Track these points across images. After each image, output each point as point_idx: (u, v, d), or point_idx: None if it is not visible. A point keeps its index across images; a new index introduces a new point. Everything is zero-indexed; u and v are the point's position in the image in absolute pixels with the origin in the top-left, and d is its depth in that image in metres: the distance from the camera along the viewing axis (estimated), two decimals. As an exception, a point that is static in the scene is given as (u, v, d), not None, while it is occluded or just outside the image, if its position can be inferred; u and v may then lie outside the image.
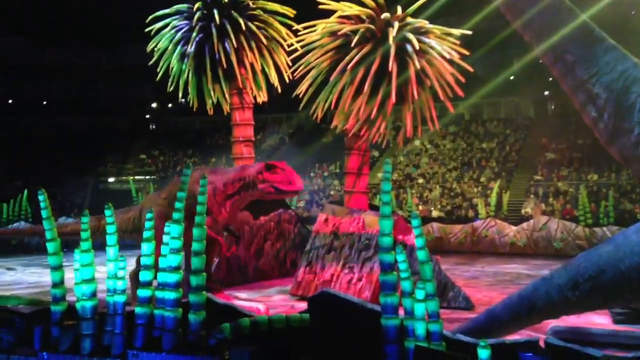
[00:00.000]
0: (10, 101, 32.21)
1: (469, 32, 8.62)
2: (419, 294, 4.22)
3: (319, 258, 8.89)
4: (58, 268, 4.97)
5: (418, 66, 8.18)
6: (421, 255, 4.32)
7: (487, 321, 4.92)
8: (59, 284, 4.96)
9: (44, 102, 35.53)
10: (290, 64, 10.32)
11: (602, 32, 5.62)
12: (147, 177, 29.63)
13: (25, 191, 17.00)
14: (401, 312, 4.23)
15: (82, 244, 5.00)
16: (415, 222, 4.33)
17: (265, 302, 8.50)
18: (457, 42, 8.53)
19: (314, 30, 9.06)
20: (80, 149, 29.26)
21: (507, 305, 4.83)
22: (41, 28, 30.46)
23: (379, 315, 4.24)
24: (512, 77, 25.60)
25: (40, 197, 4.99)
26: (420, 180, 22.79)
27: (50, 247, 4.97)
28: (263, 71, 10.95)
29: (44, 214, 4.99)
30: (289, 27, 10.62)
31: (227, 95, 10.98)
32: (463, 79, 8.63)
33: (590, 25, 5.60)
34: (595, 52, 5.58)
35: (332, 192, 22.44)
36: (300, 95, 9.29)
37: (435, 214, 19.00)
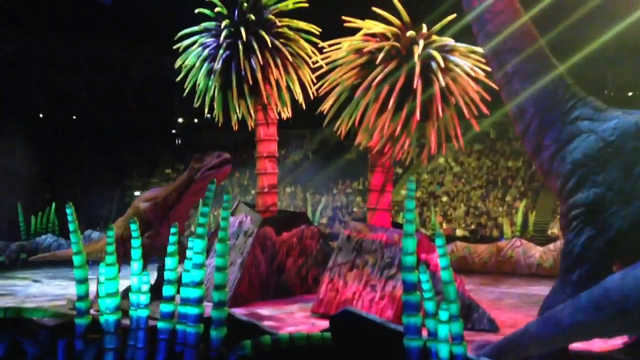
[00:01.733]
0: (40, 115, 33.01)
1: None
2: (443, 315, 4.15)
3: (341, 275, 8.84)
4: (83, 281, 5.02)
5: (443, 83, 8.15)
6: (445, 275, 4.26)
7: (512, 344, 4.81)
8: (83, 297, 5.01)
9: (73, 117, 36.34)
10: (315, 80, 10.38)
11: (547, 50, 5.84)
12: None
13: (53, 204, 17.31)
14: (424, 333, 4.16)
15: (107, 257, 5.05)
16: (439, 242, 4.28)
17: (287, 319, 8.47)
18: (482, 59, 8.48)
19: (339, 48, 9.12)
20: (106, 163, 29.77)
21: (540, 323, 4.72)
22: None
23: (402, 335, 4.18)
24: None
25: (68, 211, 5.06)
26: (444, 199, 22.59)
27: (76, 260, 5.03)
28: (288, 88, 11.02)
29: (71, 227, 5.06)
30: (314, 44, 10.69)
31: (252, 111, 11.07)
32: (489, 97, 8.56)
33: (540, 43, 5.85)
34: (534, 68, 5.76)
35: (355, 209, 22.37)
36: (325, 112, 9.32)
37: (459, 233, 18.79)
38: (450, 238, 16.69)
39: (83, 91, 35.50)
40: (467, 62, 8.42)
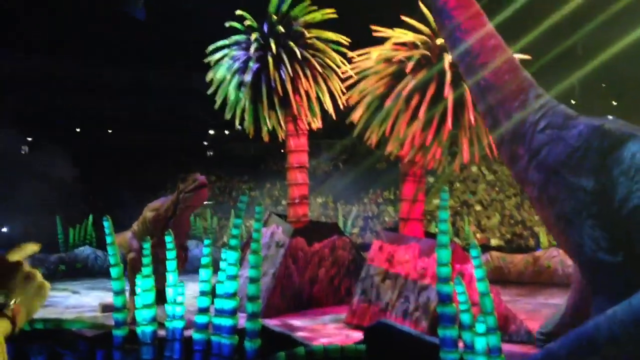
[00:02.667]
0: (77, 129, 33.89)
1: (528, 57, 8.44)
2: (480, 327, 4.08)
3: (373, 286, 8.78)
4: (120, 293, 5.11)
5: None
6: (481, 286, 4.19)
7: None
8: (121, 308, 5.10)
9: (109, 130, 37.23)
10: (344, 90, 10.40)
11: (518, 62, 6.09)
12: (205, 202, 30.29)
13: (91, 216, 17.70)
14: (460, 345, 4.09)
15: (143, 269, 5.13)
16: (474, 252, 4.22)
17: (320, 330, 8.44)
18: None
19: (368, 57, 9.12)
20: (141, 175, 30.34)
21: (566, 345, 4.46)
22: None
23: (438, 348, 4.12)
24: (573, 102, 24.90)
25: (105, 224, 5.17)
26: (478, 208, 22.27)
27: (114, 272, 5.13)
28: (318, 98, 11.07)
29: (108, 239, 5.17)
30: (343, 54, 10.72)
31: (282, 122, 11.15)
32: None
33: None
34: (505, 81, 5.91)
35: (386, 219, 22.24)
36: (355, 122, 9.32)
37: (494, 242, 18.46)
38: (485, 248, 16.42)
39: (118, 108, 36.37)
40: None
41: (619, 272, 4.87)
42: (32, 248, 1.43)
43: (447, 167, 9.52)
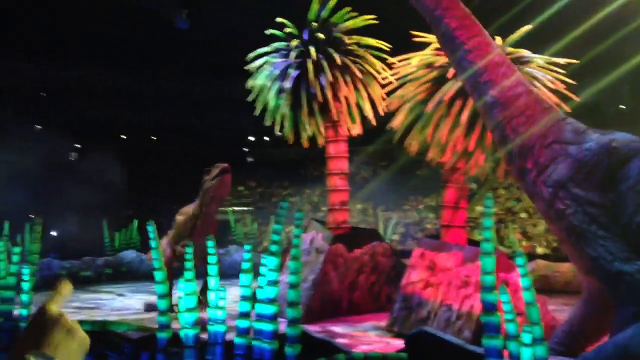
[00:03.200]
0: (123, 137, 34.85)
1: (576, 62, 8.22)
2: (526, 337, 3.98)
3: (415, 294, 8.67)
4: (164, 296, 5.21)
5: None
6: (527, 296, 4.09)
7: None
8: (165, 311, 5.19)
9: (153, 137, 38.15)
10: (384, 96, 10.34)
11: (522, 77, 6.34)
12: (245, 208, 30.66)
13: (136, 221, 18.13)
14: (505, 355, 4.00)
15: (185, 273, 5.22)
16: (519, 261, 4.12)
17: (361, 337, 8.39)
18: (563, 71, 8.16)
19: (409, 63, 9.04)
20: (183, 181, 30.94)
21: (603, 354, 4.41)
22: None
23: (482, 358, 4.03)
24: (623, 107, 24.12)
25: (149, 228, 5.29)
26: (523, 215, 21.76)
27: (158, 275, 5.23)
28: (357, 104, 11.05)
29: (152, 244, 5.28)
30: (383, 60, 10.67)
31: (322, 129, 11.17)
32: (569, 109, 8.21)
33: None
34: (510, 96, 6.07)
35: (427, 226, 21.98)
36: (395, 128, 9.25)
37: (540, 250, 18.01)
38: (531, 256, 16.00)
39: (162, 116, 37.25)
40: (545, 74, 8.13)
41: (638, 280, 4.82)
42: (68, 289, 1.40)
43: (490, 173, 9.34)
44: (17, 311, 6.51)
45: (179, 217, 10.53)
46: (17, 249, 7.06)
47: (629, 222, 5.00)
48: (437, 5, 6.46)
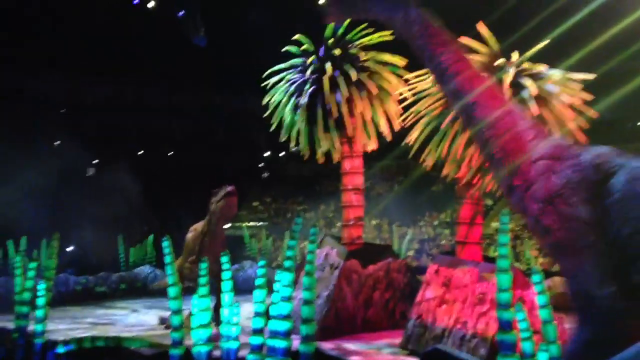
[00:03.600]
0: (140, 152, 35.18)
1: (592, 76, 8.15)
2: (542, 356, 3.90)
3: (429, 311, 8.56)
4: (178, 312, 5.20)
5: (536, 112, 7.83)
6: (544, 314, 4.02)
7: None
8: (178, 327, 5.18)
9: (170, 153, 38.49)
10: (400, 112, 10.33)
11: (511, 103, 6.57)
12: (260, 223, 30.69)
13: (151, 236, 18.22)
14: (523, 376, 3.92)
15: (199, 289, 5.21)
16: (536, 278, 4.06)
17: (374, 355, 8.30)
18: (580, 86, 8.09)
19: (425, 79, 9.04)
20: (198, 197, 31.07)
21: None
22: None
23: (498, 378, 3.95)
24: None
25: (165, 244, 5.30)
26: (539, 231, 21.46)
27: (172, 291, 5.23)
28: (373, 120, 11.05)
29: (167, 259, 5.29)
30: (399, 76, 10.69)
31: (337, 144, 11.17)
32: (587, 125, 8.12)
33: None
34: (502, 124, 6.30)
35: (443, 242, 21.79)
36: (410, 144, 9.22)
37: (556, 267, 17.73)
38: (547, 273, 15.73)
39: (178, 131, 37.66)
40: (563, 90, 8.06)
41: (606, 307, 4.86)
42: None
43: (506, 189, 9.24)
44: (31, 327, 6.54)
45: (189, 234, 10.91)
46: (33, 264, 7.11)
47: (614, 237, 5.05)
48: (429, 40, 6.86)
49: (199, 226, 10.78)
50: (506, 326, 4.05)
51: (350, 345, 8.87)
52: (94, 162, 35.10)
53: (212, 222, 10.37)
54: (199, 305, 5.12)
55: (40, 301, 6.54)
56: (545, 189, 5.69)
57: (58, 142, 34.45)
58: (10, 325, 6.87)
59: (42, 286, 6.59)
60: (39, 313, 6.49)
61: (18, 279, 6.92)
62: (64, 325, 10.29)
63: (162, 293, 14.88)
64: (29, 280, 6.75)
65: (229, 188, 10.29)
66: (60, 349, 6.03)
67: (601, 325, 4.74)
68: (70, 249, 22.02)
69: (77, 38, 29.03)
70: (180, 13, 25.71)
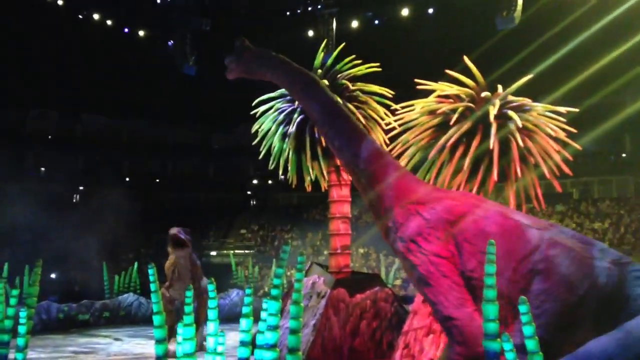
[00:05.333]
0: (127, 179, 35.07)
1: (576, 110, 8.32)
2: (530, 388, 3.89)
3: (417, 340, 8.50)
4: (162, 341, 5.12)
5: (521, 144, 7.96)
6: (530, 345, 4.02)
7: None
8: (162, 357, 5.09)
9: (157, 180, 38.37)
10: (387, 142, 10.43)
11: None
12: (247, 251, 30.51)
13: (136, 264, 18.01)
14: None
15: (184, 317, 5.15)
16: (522, 309, 4.07)
17: (361, 386, 8.20)
18: (564, 119, 8.26)
19: (412, 109, 9.17)
20: (185, 225, 30.88)
21: None
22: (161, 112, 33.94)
23: (486, 409, 3.93)
24: (624, 155, 24.26)
25: (150, 271, 5.25)
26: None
27: (156, 319, 5.16)
28: (361, 149, 11.12)
29: (152, 287, 5.23)
30: (387, 106, 10.83)
31: (325, 173, 11.23)
32: (570, 157, 8.26)
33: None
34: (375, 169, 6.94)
35: (430, 272, 21.75)
36: (398, 173, 9.28)
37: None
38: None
39: (163, 161, 37.78)
40: (547, 122, 8.22)
41: (466, 326, 5.55)
42: None
43: (493, 219, 9.31)
44: (12, 355, 6.40)
45: (166, 263, 12.23)
46: (15, 292, 6.99)
47: (463, 269, 5.85)
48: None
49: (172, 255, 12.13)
50: (493, 357, 4.04)
51: (336, 376, 8.75)
52: (79, 190, 34.92)
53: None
54: (184, 334, 5.05)
55: (22, 329, 6.41)
56: (410, 229, 6.44)
57: (44, 169, 34.31)
58: (-10, 353, 6.72)
59: (23, 314, 6.47)
60: (20, 341, 6.36)
61: (-1, 307, 6.79)
62: (45, 354, 10.07)
63: (146, 321, 14.66)
64: (10, 308, 6.63)
65: (170, 232, 12.27)
66: (41, 379, 5.89)
67: (465, 343, 5.42)
68: (53, 276, 21.68)
69: (70, 72, 29.38)
70: (170, 43, 25.93)
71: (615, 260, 5.20)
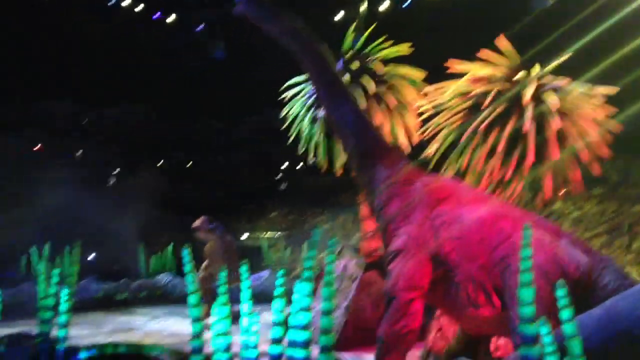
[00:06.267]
0: (160, 163, 35.63)
1: (616, 89, 8.09)
2: (566, 372, 3.85)
3: (451, 324, 8.48)
4: (198, 320, 5.23)
5: (558, 126, 7.79)
6: (569, 328, 3.96)
7: None
8: (198, 335, 5.21)
9: (187, 165, 38.93)
10: (419, 125, 10.33)
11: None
12: (278, 234, 30.78)
13: (171, 245, 18.37)
14: (545, 391, 3.86)
15: (219, 297, 5.24)
16: (560, 292, 4.01)
17: (393, 367, 8.22)
18: (603, 99, 8.04)
19: (445, 92, 9.04)
20: (218, 208, 31.31)
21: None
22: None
23: (520, 392, 3.91)
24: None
25: (184, 253, 5.35)
26: (560, 245, 21.16)
27: (192, 299, 5.27)
28: (391, 133, 11.05)
29: (186, 268, 5.33)
30: (418, 89, 10.70)
31: (356, 156, 11.17)
32: (609, 138, 8.05)
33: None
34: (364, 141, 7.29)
35: (461, 255, 21.60)
36: (430, 157, 9.21)
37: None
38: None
39: (196, 141, 38.15)
40: (586, 103, 8.02)
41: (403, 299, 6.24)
42: None
43: (528, 203, 9.18)
44: (54, 332, 6.63)
45: (206, 246, 13.09)
46: (56, 271, 7.22)
47: (438, 253, 6.12)
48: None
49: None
50: (529, 341, 4.00)
51: (369, 356, 8.80)
52: (115, 171, 35.68)
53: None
54: (219, 314, 5.15)
55: (63, 307, 6.62)
56: (391, 209, 6.75)
57: (80, 152, 35.18)
58: (34, 330, 6.97)
59: (64, 292, 6.68)
60: (62, 319, 6.57)
61: (41, 285, 7.02)
62: (86, 331, 10.41)
63: (181, 300, 14.98)
64: (52, 287, 6.85)
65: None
66: (83, 355, 6.10)
67: (389, 322, 6.14)
68: (92, 256, 22.30)
69: (93, 59, 29.94)
70: (199, 28, 26.02)
71: (584, 250, 5.56)
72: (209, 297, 10.71)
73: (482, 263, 5.81)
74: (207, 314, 5.58)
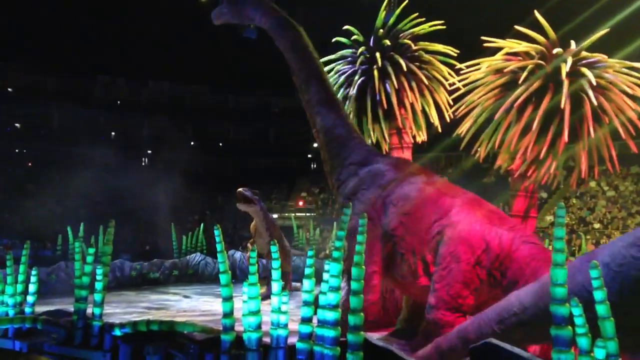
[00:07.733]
0: (192, 143, 36.06)
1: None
2: (599, 353, 3.78)
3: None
4: (229, 299, 5.30)
5: (595, 102, 7.54)
6: (601, 310, 3.88)
7: (435, 353, 5.55)
8: (229, 314, 5.27)
9: (220, 144, 39.25)
10: (451, 103, 10.14)
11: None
12: (308, 214, 30.89)
13: (202, 225, 18.61)
14: (578, 373, 3.81)
15: (250, 277, 5.29)
16: (594, 273, 3.91)
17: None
18: (640, 75, 7.75)
19: (478, 69, 8.83)
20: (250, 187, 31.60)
21: (447, 338, 5.49)
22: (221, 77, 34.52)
23: (553, 374, 3.86)
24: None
25: (216, 232, 5.40)
26: (597, 225, 20.74)
27: (223, 278, 5.33)
28: (423, 111, 10.88)
29: (218, 247, 5.40)
30: (451, 66, 10.48)
31: (386, 135, 11.07)
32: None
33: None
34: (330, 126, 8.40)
35: (493, 235, 21.34)
36: (462, 135, 9.05)
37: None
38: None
39: (227, 127, 38.48)
40: (624, 79, 7.72)
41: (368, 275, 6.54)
42: None
43: (562, 181, 8.96)
44: (90, 310, 6.81)
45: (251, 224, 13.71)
46: (91, 250, 7.39)
47: (386, 229, 6.93)
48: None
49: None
50: (561, 321, 3.93)
51: (392, 339, 8.80)
52: (147, 154, 36.28)
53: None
54: (249, 293, 5.20)
55: (98, 285, 6.79)
56: (349, 187, 7.49)
57: (113, 134, 35.82)
58: (70, 308, 7.17)
59: (99, 271, 6.84)
60: (97, 297, 6.75)
61: (77, 264, 7.21)
62: (120, 309, 10.67)
63: (212, 280, 15.22)
64: (87, 265, 7.02)
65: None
66: (117, 332, 6.26)
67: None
68: (125, 236, 22.80)
69: (129, 40, 30.19)
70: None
71: (510, 227, 6.25)
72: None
73: (421, 236, 6.54)
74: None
